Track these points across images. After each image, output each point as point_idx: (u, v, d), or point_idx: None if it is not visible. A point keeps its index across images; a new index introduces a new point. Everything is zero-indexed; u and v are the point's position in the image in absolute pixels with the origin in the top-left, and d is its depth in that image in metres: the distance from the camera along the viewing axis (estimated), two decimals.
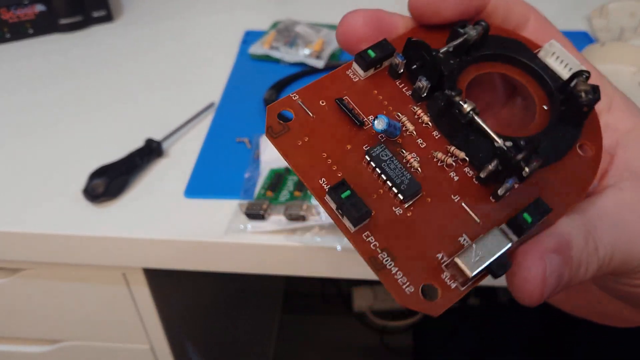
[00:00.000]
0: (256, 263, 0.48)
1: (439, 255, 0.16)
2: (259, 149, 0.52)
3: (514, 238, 0.16)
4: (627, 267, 0.18)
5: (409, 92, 0.18)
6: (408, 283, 0.15)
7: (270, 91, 0.60)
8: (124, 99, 0.62)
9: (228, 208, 0.48)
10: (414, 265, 0.16)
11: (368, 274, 0.47)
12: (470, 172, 0.17)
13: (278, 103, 0.18)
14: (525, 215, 0.16)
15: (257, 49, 0.66)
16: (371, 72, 0.18)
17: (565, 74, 0.19)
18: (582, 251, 0.17)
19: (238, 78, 0.64)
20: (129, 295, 0.56)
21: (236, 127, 0.56)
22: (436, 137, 0.17)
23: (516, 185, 0.17)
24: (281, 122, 0.17)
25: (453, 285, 0.15)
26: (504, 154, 0.16)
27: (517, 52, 0.19)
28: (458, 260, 0.15)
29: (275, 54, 0.65)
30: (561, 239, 0.16)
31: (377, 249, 0.16)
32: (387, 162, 0.16)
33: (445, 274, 0.16)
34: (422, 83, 0.18)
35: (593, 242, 0.17)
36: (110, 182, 0.49)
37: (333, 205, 0.16)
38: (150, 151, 0.52)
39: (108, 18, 0.74)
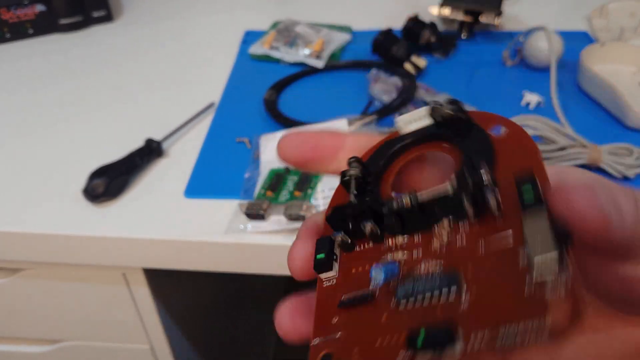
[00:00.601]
0: (256, 263, 0.48)
1: (527, 283, 0.15)
2: (259, 149, 0.52)
3: (542, 208, 0.15)
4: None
5: (371, 244, 0.18)
6: (535, 324, 0.14)
7: (270, 91, 0.60)
8: (124, 99, 0.62)
9: (228, 208, 0.48)
10: (525, 311, 0.15)
11: None
12: (467, 225, 0.17)
13: (312, 357, 0.18)
14: (526, 195, 0.15)
15: (257, 49, 0.66)
16: (336, 266, 0.19)
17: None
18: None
19: (238, 78, 0.64)
20: (129, 295, 0.56)
21: (236, 127, 0.56)
22: (419, 239, 0.18)
23: (496, 190, 0.17)
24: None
25: (562, 298, 0.14)
26: (462, 187, 0.16)
27: (395, 145, 0.20)
28: (536, 258, 0.14)
29: (275, 54, 0.65)
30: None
31: (490, 334, 0.15)
32: (415, 289, 0.16)
33: (546, 292, 0.15)
34: (368, 226, 0.18)
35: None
36: (110, 182, 0.49)
37: (427, 356, 0.15)
38: (150, 151, 0.52)
39: (108, 18, 0.74)
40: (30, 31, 0.71)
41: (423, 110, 0.19)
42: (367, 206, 0.18)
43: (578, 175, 0.17)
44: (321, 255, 0.18)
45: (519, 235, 0.16)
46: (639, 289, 0.17)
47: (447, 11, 0.66)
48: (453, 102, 0.19)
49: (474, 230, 0.17)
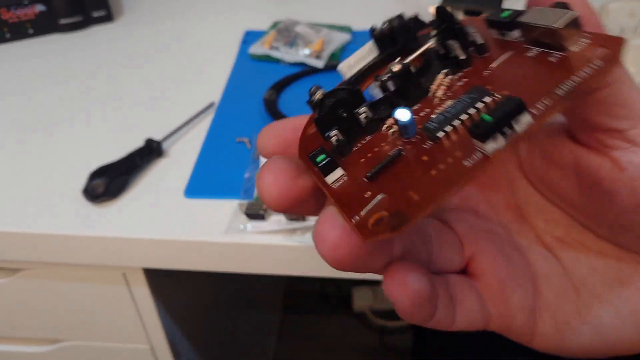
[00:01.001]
0: (256, 263, 0.48)
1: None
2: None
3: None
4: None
5: (369, 137, 0.17)
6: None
7: (270, 91, 0.60)
8: (124, 99, 0.62)
9: (228, 208, 0.48)
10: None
11: (368, 274, 0.47)
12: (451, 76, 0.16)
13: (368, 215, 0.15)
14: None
15: (257, 49, 0.66)
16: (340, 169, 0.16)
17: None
18: None
19: (238, 78, 0.64)
20: (129, 295, 0.56)
21: (236, 127, 0.56)
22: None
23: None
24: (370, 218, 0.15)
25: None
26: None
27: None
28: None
29: (275, 54, 0.65)
30: None
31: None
32: (451, 109, 0.15)
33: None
34: (363, 114, 0.16)
35: None
36: (110, 182, 0.49)
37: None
38: (150, 151, 0.52)
39: (108, 18, 0.74)
40: (30, 31, 0.71)
41: (366, 46, 0.17)
42: (356, 89, 0.16)
43: None
44: (322, 157, 0.16)
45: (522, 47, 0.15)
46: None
47: None
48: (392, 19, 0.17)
49: (471, 71, 0.15)
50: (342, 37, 0.68)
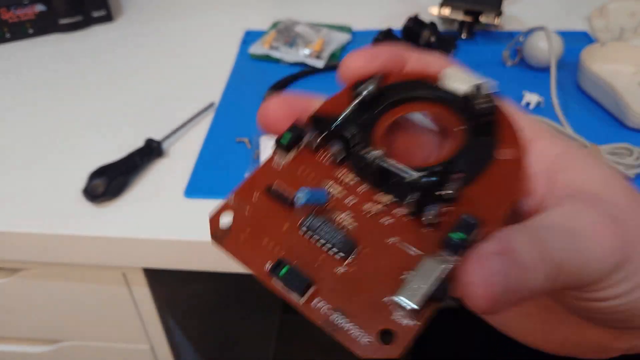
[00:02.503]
0: None
1: (386, 299, 0.16)
2: (259, 149, 0.52)
3: (454, 258, 0.16)
4: (578, 278, 0.17)
5: (329, 161, 0.19)
6: (364, 334, 0.16)
7: (270, 91, 0.60)
8: (124, 99, 0.62)
9: None
10: (366, 316, 0.16)
11: None
12: (401, 210, 0.18)
13: (216, 211, 0.19)
14: (455, 234, 0.16)
15: (257, 49, 0.66)
16: (293, 153, 0.20)
17: (468, 89, 0.20)
18: (527, 254, 0.16)
19: (238, 78, 0.64)
20: (129, 295, 0.56)
21: (236, 127, 0.56)
22: (363, 191, 0.18)
23: (451, 209, 0.17)
24: (222, 226, 0.19)
25: (404, 322, 0.16)
26: (418, 185, 0.17)
27: (418, 89, 0.20)
28: (397, 299, 0.15)
29: (275, 54, 0.65)
30: (504, 242, 0.16)
31: (329, 311, 0.16)
32: (319, 229, 0.17)
33: (394, 314, 0.16)
34: (335, 149, 0.19)
35: (538, 246, 0.16)
36: (110, 182, 0.49)
37: (279, 285, 0.17)
38: (150, 151, 0.52)
39: (108, 18, 0.74)
40: (30, 31, 0.71)
41: (472, 79, 0.19)
42: (342, 135, 0.19)
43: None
44: (287, 135, 0.19)
45: (415, 258, 0.17)
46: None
47: (447, 11, 0.66)
48: (491, 100, 0.18)
49: (402, 221, 0.17)
50: (342, 37, 0.68)
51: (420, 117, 0.22)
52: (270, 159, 0.20)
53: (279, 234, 0.18)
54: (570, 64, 0.60)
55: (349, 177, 0.19)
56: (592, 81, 0.57)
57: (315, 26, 0.68)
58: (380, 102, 0.20)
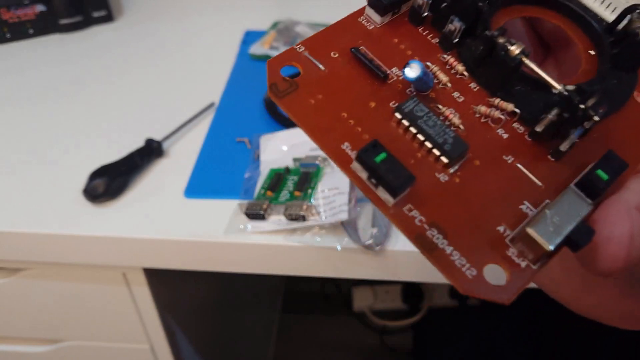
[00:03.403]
0: (256, 263, 0.48)
1: (500, 228, 0.13)
2: (259, 149, 0.52)
3: (588, 201, 0.13)
4: None
5: (435, 40, 0.16)
6: (468, 265, 0.13)
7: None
8: (124, 98, 0.62)
9: (228, 208, 0.48)
10: (472, 242, 0.13)
11: (368, 273, 0.47)
12: (521, 127, 0.15)
13: (280, 56, 0.15)
14: (599, 172, 0.13)
15: (257, 49, 0.66)
16: (388, 18, 0.16)
17: (608, 16, 0.16)
18: None
19: (238, 78, 0.64)
20: (129, 295, 0.56)
21: (236, 127, 0.56)
22: (474, 90, 0.15)
23: (577, 139, 0.14)
24: (287, 78, 0.15)
25: (523, 264, 0.13)
26: (567, 101, 0.13)
27: None
28: (531, 232, 0.12)
29: (275, 54, 0.65)
30: None
31: (425, 225, 0.13)
32: (424, 119, 0.14)
33: (511, 250, 0.13)
34: (455, 25, 0.15)
35: None
36: (110, 182, 0.49)
37: (364, 175, 0.13)
38: (150, 151, 0.52)
39: (108, 18, 0.74)
40: (30, 31, 0.71)
41: (617, 1, 0.16)
42: (478, 4, 0.15)
43: None
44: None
45: (540, 190, 0.14)
46: None
47: None
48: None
49: (524, 140, 0.14)
50: None
51: (528, 31, 0.18)
52: (356, 15, 0.16)
53: (364, 110, 0.14)
54: None
55: (459, 68, 0.15)
56: None
57: (315, 26, 0.69)
58: None
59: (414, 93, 0.15)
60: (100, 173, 0.49)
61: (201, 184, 0.50)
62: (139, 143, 0.53)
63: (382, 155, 0.13)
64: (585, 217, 0.13)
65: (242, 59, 0.67)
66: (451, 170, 0.14)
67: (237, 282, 0.87)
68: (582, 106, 0.13)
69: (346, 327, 1.19)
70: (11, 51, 0.70)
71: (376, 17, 0.16)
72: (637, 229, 0.13)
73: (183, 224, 0.47)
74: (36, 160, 0.54)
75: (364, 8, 0.16)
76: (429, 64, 0.15)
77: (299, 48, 0.15)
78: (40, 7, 0.70)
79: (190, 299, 0.71)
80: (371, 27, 0.16)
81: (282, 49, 0.65)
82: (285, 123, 0.55)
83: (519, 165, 0.14)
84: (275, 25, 0.70)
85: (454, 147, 0.13)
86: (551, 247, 0.12)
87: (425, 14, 0.16)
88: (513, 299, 0.12)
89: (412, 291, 1.14)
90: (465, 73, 0.15)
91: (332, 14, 0.76)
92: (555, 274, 0.20)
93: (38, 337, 0.64)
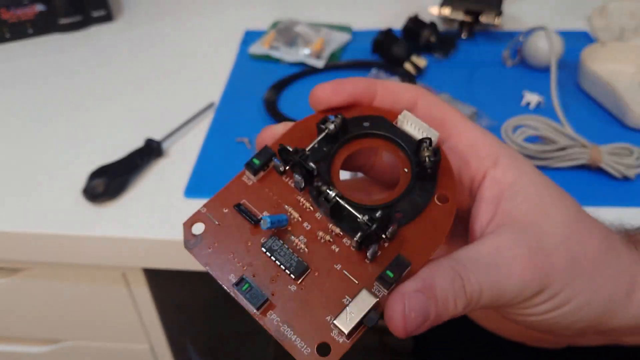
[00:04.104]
0: None
1: (328, 317, 0.19)
2: None
3: (385, 292, 0.20)
4: (499, 302, 0.21)
5: (293, 184, 0.22)
6: (305, 345, 0.19)
7: (270, 91, 0.60)
8: (124, 98, 0.62)
9: None
10: (309, 330, 0.19)
11: None
12: (349, 242, 0.21)
13: (190, 219, 0.22)
14: (388, 272, 0.19)
15: (257, 49, 0.66)
16: (260, 174, 0.22)
17: (418, 136, 0.23)
18: (447, 289, 0.19)
19: (238, 78, 0.64)
20: (129, 295, 0.56)
21: (236, 127, 0.56)
22: (319, 218, 0.21)
23: (385, 244, 0.20)
24: (195, 234, 0.21)
25: (340, 340, 0.19)
26: (362, 228, 0.20)
27: (377, 127, 0.23)
28: (336, 322, 0.19)
29: (275, 53, 0.65)
30: (425, 280, 0.19)
31: (279, 323, 0.20)
32: (278, 251, 0.21)
33: (333, 331, 0.19)
34: (297, 178, 0.22)
35: (459, 280, 0.20)
36: (110, 182, 0.49)
37: (240, 297, 0.20)
38: (150, 151, 0.52)
39: (108, 18, 0.74)
40: (30, 31, 0.71)
41: (424, 127, 0.23)
42: (306, 167, 0.21)
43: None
44: (257, 162, 0.22)
45: (355, 286, 0.20)
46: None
47: (447, 11, 0.66)
48: (435, 152, 0.21)
49: (348, 251, 0.21)
50: (342, 37, 0.68)
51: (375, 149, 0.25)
52: (241, 174, 0.23)
53: (244, 250, 0.21)
54: (570, 64, 0.60)
55: (307, 204, 0.22)
56: (592, 81, 0.57)
57: (315, 26, 0.68)
58: (342, 134, 0.23)
59: (275, 231, 0.21)
60: (100, 173, 0.49)
61: (201, 184, 0.50)
62: (138, 143, 0.53)
63: (246, 286, 0.20)
64: (374, 307, 0.19)
65: (242, 58, 0.67)
66: (298, 282, 0.20)
67: None
68: (372, 230, 0.19)
69: None
70: (11, 51, 0.70)
71: (252, 176, 0.22)
72: (409, 306, 0.19)
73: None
74: (36, 160, 0.54)
75: (244, 170, 0.22)
76: (286, 206, 0.22)
77: (203, 209, 0.22)
78: (39, 7, 0.70)
79: (190, 299, 0.71)
80: (250, 183, 0.22)
81: (282, 48, 0.65)
82: None
83: (344, 271, 0.20)
84: (275, 25, 0.70)
85: (297, 268, 0.20)
86: (346, 331, 0.19)
87: (283, 169, 0.22)
88: None
89: None
90: (312, 207, 0.22)
91: (332, 14, 0.77)
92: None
93: (38, 337, 0.64)
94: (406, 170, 0.22)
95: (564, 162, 0.48)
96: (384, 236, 0.20)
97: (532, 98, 0.57)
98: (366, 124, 0.23)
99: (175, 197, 0.49)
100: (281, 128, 0.23)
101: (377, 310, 0.19)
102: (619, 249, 0.23)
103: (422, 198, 0.21)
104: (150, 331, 0.61)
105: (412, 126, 0.23)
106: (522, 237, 0.21)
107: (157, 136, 0.54)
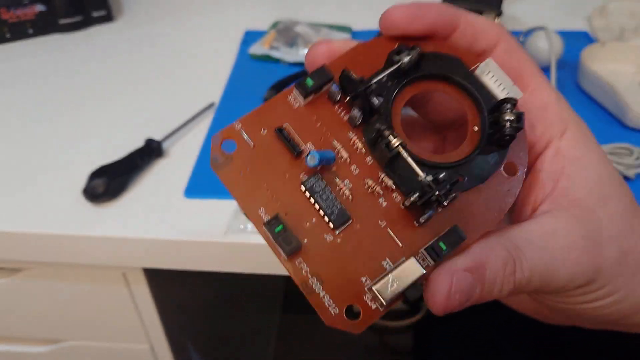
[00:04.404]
0: (256, 263, 0.48)
1: (363, 279, 0.18)
2: None
3: (431, 263, 0.18)
4: (547, 289, 0.19)
5: (346, 117, 0.19)
6: (334, 305, 0.17)
7: (270, 91, 0.60)
8: (124, 99, 0.62)
9: (228, 208, 0.48)
10: (340, 289, 0.17)
11: None
12: (399, 198, 0.18)
13: (222, 133, 0.19)
14: (441, 243, 0.17)
15: (257, 49, 0.66)
16: (311, 98, 0.19)
17: (500, 94, 0.19)
18: (497, 273, 0.18)
19: (238, 78, 0.64)
20: (129, 295, 0.56)
21: None
22: (369, 163, 0.19)
23: (439, 210, 0.18)
24: (225, 152, 0.19)
25: (373, 306, 0.17)
26: (423, 189, 0.17)
27: (453, 70, 0.20)
28: (374, 289, 0.17)
29: (275, 54, 0.65)
30: (477, 260, 0.18)
31: (308, 275, 0.17)
32: (320, 193, 0.18)
33: (367, 295, 0.17)
34: (355, 114, 0.19)
35: (512, 265, 0.18)
36: (110, 182, 0.49)
37: (270, 236, 0.18)
38: (150, 151, 0.52)
39: (108, 18, 0.74)
40: (30, 31, 0.71)
41: (508, 84, 0.19)
42: (370, 102, 0.18)
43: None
44: (310, 82, 0.19)
45: (400, 251, 0.18)
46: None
47: None
48: (519, 118, 0.18)
49: (397, 209, 0.18)
50: (342, 37, 0.68)
51: (442, 96, 0.22)
52: (287, 94, 0.20)
53: (279, 182, 0.18)
54: (570, 64, 0.60)
55: (360, 144, 0.19)
56: (592, 81, 0.57)
57: (315, 26, 0.68)
58: (412, 72, 0.19)
59: (319, 168, 0.18)
60: (100, 173, 0.49)
61: (201, 184, 0.50)
62: (138, 143, 0.53)
63: (279, 228, 0.17)
64: (420, 279, 0.17)
65: (242, 58, 0.67)
66: (336, 232, 0.18)
67: (237, 282, 0.87)
68: (433, 195, 0.17)
69: None
70: (11, 51, 0.70)
71: (300, 98, 0.19)
72: (456, 286, 0.17)
73: (183, 224, 0.47)
74: (36, 160, 0.54)
75: (292, 88, 0.20)
76: (335, 140, 0.19)
77: (237, 125, 0.19)
78: (40, 7, 0.70)
79: (190, 299, 0.71)
80: (297, 106, 0.19)
81: (282, 48, 0.65)
82: None
83: (388, 230, 0.18)
84: (275, 25, 0.70)
85: (338, 217, 0.18)
86: (385, 302, 0.17)
87: (338, 98, 0.19)
88: (362, 330, 0.17)
89: None
90: (364, 149, 0.19)
91: (332, 14, 0.77)
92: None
93: (38, 337, 0.64)
94: (476, 128, 0.19)
95: None
96: (445, 203, 0.17)
97: None
98: (440, 63, 0.20)
99: (176, 197, 0.49)
100: (340, 45, 0.20)
101: (421, 283, 0.17)
102: None
103: (488, 165, 0.19)
104: (150, 331, 0.61)
105: (493, 79, 0.19)
106: (579, 225, 0.19)
107: (157, 136, 0.54)
